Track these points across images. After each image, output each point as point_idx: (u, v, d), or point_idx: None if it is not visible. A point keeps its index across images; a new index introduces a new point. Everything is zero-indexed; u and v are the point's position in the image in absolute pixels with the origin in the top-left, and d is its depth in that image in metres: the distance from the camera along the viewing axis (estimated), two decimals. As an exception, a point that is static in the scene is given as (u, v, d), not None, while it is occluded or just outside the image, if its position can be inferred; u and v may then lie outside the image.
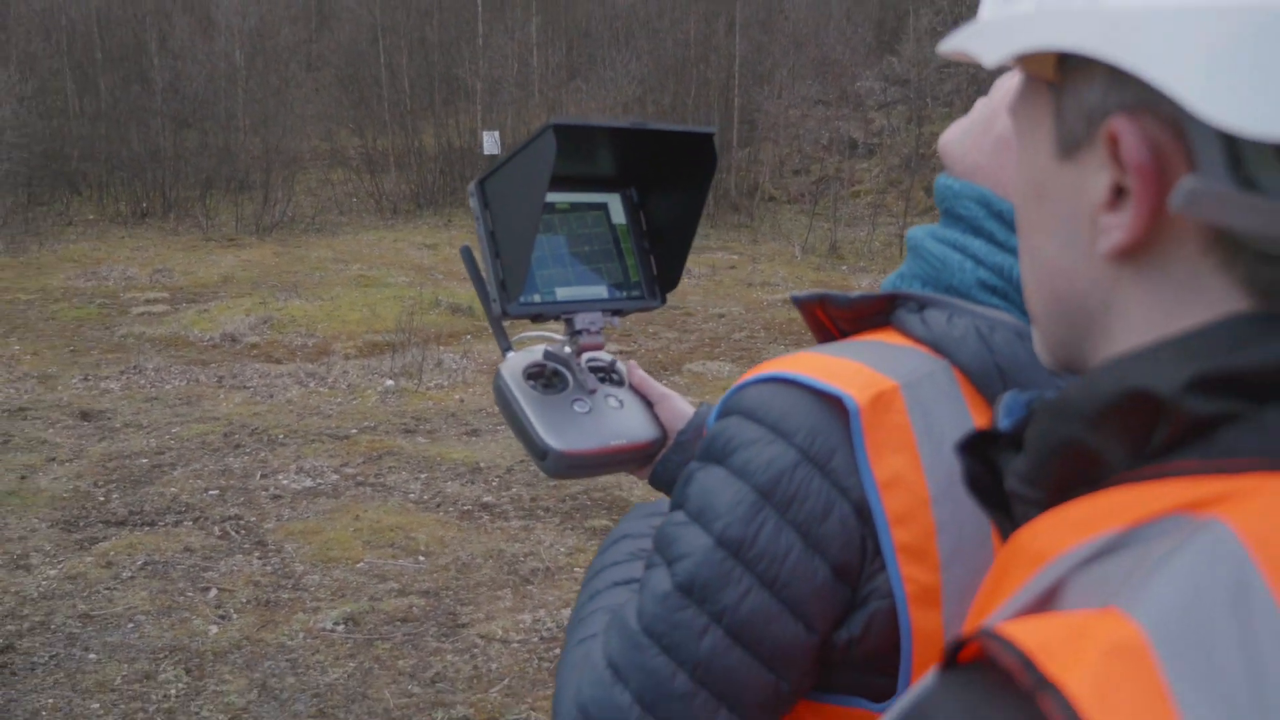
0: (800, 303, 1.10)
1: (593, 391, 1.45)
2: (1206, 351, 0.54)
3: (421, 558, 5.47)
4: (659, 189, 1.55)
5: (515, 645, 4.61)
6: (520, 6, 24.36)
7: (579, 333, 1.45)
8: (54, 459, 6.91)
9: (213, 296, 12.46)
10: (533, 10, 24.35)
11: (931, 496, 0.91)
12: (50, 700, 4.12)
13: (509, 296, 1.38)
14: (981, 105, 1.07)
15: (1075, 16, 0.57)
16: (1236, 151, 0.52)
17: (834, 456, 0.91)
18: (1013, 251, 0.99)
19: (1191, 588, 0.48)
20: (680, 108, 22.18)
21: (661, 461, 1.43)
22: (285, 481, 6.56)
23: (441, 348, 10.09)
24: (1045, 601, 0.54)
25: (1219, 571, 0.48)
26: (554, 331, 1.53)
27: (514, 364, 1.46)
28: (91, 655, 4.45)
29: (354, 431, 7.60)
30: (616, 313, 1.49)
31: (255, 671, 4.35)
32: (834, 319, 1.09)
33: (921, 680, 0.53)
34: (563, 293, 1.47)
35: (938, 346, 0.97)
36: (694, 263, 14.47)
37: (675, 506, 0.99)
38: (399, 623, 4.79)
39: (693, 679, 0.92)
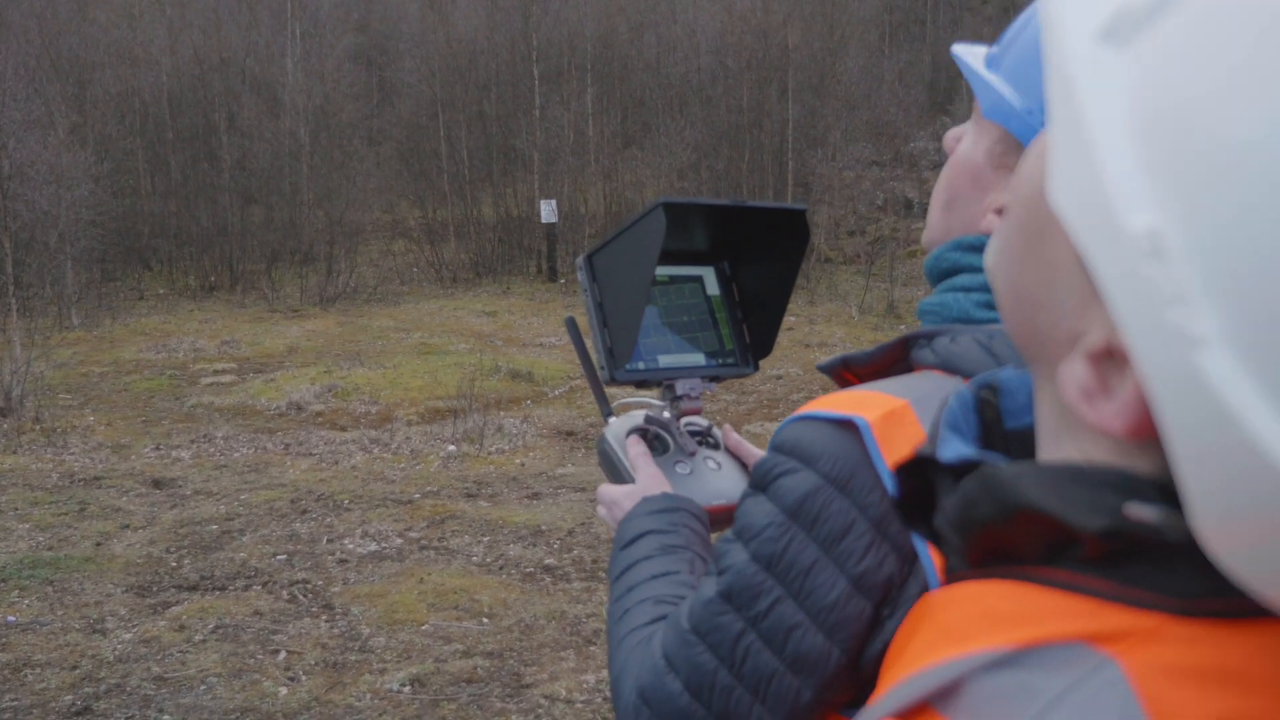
0: (826, 370, 1.17)
1: (692, 454, 1.52)
2: (1117, 503, 0.51)
3: (485, 619, 5.52)
4: (751, 262, 1.64)
5: (579, 705, 4.63)
6: (575, 78, 24.84)
7: (680, 398, 1.52)
8: (128, 526, 7.08)
9: (278, 366, 12.73)
10: (588, 81, 24.81)
11: None
12: (126, 761, 4.21)
13: (617, 364, 1.47)
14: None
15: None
16: None
17: (854, 476, 0.99)
18: None
19: None
20: (734, 173, 22.40)
21: None
22: (351, 546, 6.66)
23: (502, 413, 10.21)
24: (944, 696, 0.53)
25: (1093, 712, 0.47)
26: (651, 398, 1.60)
27: (617, 428, 1.54)
28: (166, 717, 4.54)
29: (417, 496, 7.70)
30: (714, 379, 1.57)
31: (324, 732, 4.41)
32: (861, 377, 1.15)
33: None
34: (664, 360, 1.55)
35: (947, 366, 1.05)
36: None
37: (733, 529, 1.10)
38: (464, 684, 4.83)
39: (732, 675, 1.03)
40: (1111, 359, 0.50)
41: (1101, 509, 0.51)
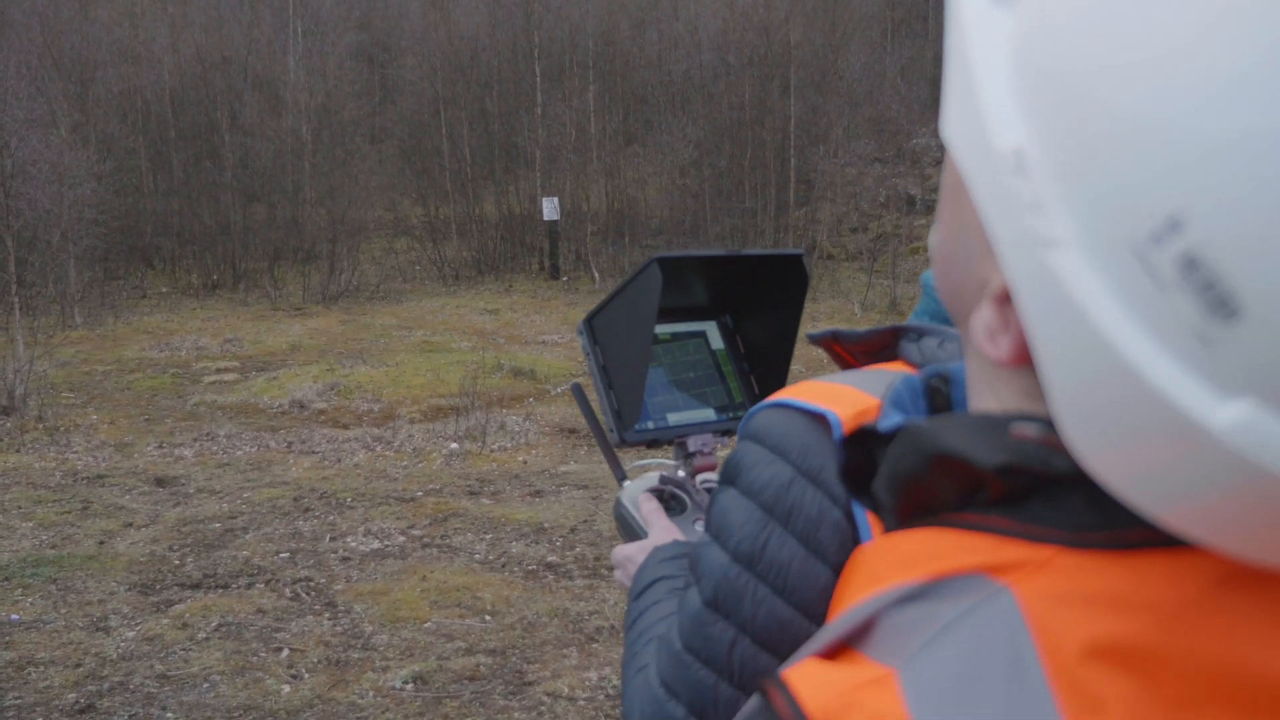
0: (816, 341, 1.18)
1: None
2: (1021, 442, 0.56)
3: (488, 617, 5.52)
4: (752, 312, 1.64)
5: (582, 702, 4.63)
6: (577, 75, 24.83)
7: (692, 455, 1.52)
8: (131, 524, 7.09)
9: (281, 364, 12.74)
10: (590, 79, 24.80)
11: None
12: (129, 759, 4.21)
13: (625, 425, 1.47)
14: None
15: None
16: None
17: (824, 470, 0.97)
18: None
19: (968, 660, 0.51)
20: (736, 170, 22.39)
21: None
22: (354, 544, 6.66)
23: (505, 411, 10.22)
24: (860, 633, 0.57)
25: (998, 646, 0.51)
26: (664, 458, 1.60)
27: (632, 491, 1.52)
28: (169, 715, 4.54)
29: (420, 494, 7.71)
30: (726, 434, 1.56)
31: (327, 730, 4.42)
32: (851, 353, 1.15)
33: (750, 701, 0.58)
34: (674, 418, 1.55)
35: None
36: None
37: (705, 529, 1.07)
38: (466, 681, 4.83)
39: (733, 685, 1.00)
40: (1010, 299, 0.56)
41: (1000, 447, 0.56)
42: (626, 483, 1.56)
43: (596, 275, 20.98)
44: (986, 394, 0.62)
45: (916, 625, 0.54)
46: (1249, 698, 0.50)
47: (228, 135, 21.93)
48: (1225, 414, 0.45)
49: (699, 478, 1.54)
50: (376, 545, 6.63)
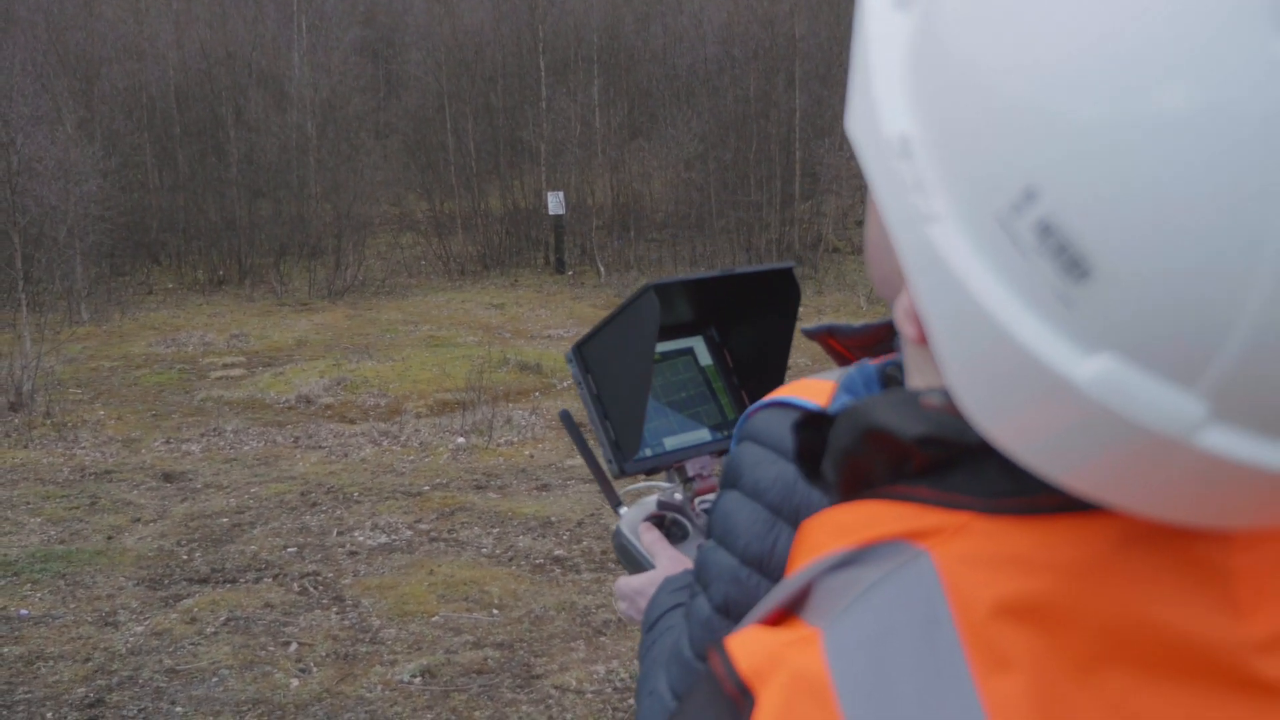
0: (811, 335, 1.17)
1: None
2: (940, 414, 0.59)
3: (495, 611, 5.53)
4: (741, 324, 1.60)
5: (589, 695, 4.64)
6: (582, 69, 24.80)
7: (692, 479, 1.49)
8: (139, 519, 7.11)
9: (287, 360, 12.76)
10: (594, 73, 24.77)
11: None
12: (139, 752, 4.23)
13: (625, 455, 1.43)
14: None
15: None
16: None
17: None
18: None
19: (885, 619, 0.55)
20: (741, 163, 22.36)
21: None
22: (361, 538, 6.68)
23: (511, 405, 10.22)
24: (798, 600, 0.62)
25: (914, 608, 0.54)
26: (656, 482, 1.55)
27: (632, 519, 1.49)
28: (178, 709, 4.56)
29: (427, 488, 7.72)
30: (722, 453, 1.53)
31: (335, 724, 4.43)
32: (847, 347, 1.15)
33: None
34: (670, 442, 1.51)
35: None
36: (759, 316, 14.53)
37: (707, 534, 1.06)
38: (475, 674, 4.84)
39: None
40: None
41: (919, 419, 0.59)
42: (622, 509, 1.52)
43: (602, 269, 20.97)
44: (915, 374, 0.67)
45: (843, 589, 0.58)
46: (1151, 651, 0.53)
47: (233, 131, 21.93)
48: (1088, 369, 0.48)
49: (697, 500, 1.51)
50: (384, 539, 6.64)
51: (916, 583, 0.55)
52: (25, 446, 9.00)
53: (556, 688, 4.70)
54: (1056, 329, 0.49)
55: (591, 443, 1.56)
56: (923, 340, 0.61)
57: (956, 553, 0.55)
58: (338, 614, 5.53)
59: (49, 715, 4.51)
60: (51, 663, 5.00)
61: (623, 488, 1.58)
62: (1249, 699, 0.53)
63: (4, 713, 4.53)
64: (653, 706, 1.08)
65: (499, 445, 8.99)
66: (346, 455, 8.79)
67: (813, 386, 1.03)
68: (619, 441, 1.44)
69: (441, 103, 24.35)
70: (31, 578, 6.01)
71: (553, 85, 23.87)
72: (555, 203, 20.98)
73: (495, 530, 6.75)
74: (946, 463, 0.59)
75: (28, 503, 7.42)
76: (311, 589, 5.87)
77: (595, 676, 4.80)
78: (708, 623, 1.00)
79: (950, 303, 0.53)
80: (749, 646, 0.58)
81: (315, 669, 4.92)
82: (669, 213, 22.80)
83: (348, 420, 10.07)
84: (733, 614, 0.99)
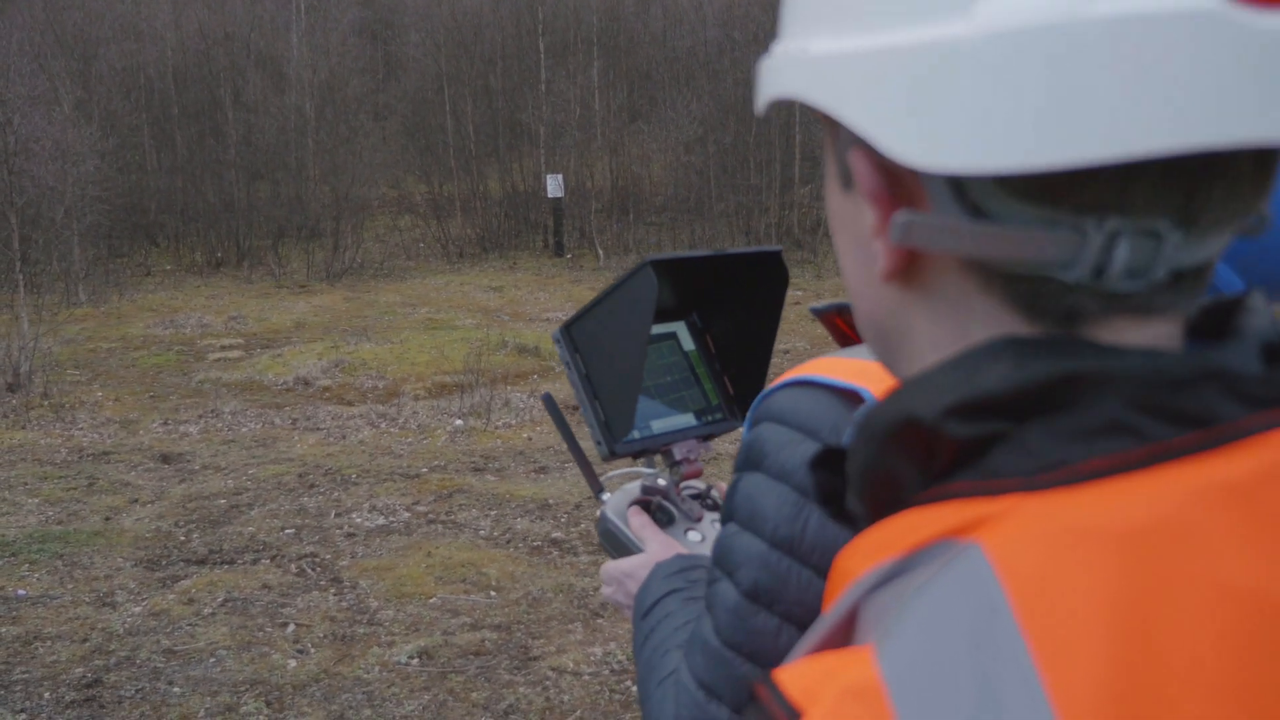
0: (820, 314, 1.14)
1: (699, 519, 1.46)
2: (965, 378, 0.55)
3: (493, 593, 5.54)
4: (724, 310, 1.57)
5: (586, 677, 4.65)
6: (582, 52, 24.72)
7: (679, 463, 1.47)
8: (136, 500, 7.11)
9: (285, 342, 12.74)
10: (594, 55, 24.69)
11: None
12: (137, 732, 4.24)
13: (615, 437, 1.41)
14: None
15: (793, 64, 0.61)
16: (959, 182, 0.54)
17: None
18: None
19: (937, 619, 0.50)
20: (741, 146, 22.31)
21: None
22: (359, 520, 6.68)
23: (509, 387, 10.22)
24: (846, 627, 0.57)
25: (968, 600, 0.50)
26: (638, 468, 1.54)
27: (617, 505, 1.47)
28: (175, 689, 4.56)
29: (424, 470, 7.72)
30: (706, 438, 1.52)
31: (333, 704, 4.43)
32: (855, 327, 1.13)
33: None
34: (657, 425, 1.49)
35: None
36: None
37: (726, 519, 1.03)
38: (472, 656, 4.85)
39: None
40: (881, 232, 0.58)
41: (940, 389, 0.55)
42: (605, 495, 1.51)
43: (601, 253, 20.95)
44: (917, 354, 0.62)
45: (892, 601, 0.53)
46: (1243, 621, 0.48)
47: (231, 112, 21.88)
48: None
49: (682, 485, 1.49)
50: (381, 521, 6.64)
51: (969, 574, 0.51)
52: (23, 427, 8.99)
53: (553, 669, 4.71)
54: None
55: (577, 428, 1.54)
56: (890, 270, 0.59)
57: (1007, 537, 0.51)
58: (335, 595, 5.54)
59: (46, 695, 4.51)
60: (49, 643, 5.00)
61: (604, 473, 1.57)
62: None
63: (1, 693, 4.53)
64: (672, 696, 1.04)
65: (497, 428, 8.99)
66: (344, 437, 8.79)
67: (837, 365, 1.00)
68: (610, 422, 1.42)
69: (440, 84, 24.30)
70: (29, 558, 6.01)
71: (552, 67, 23.80)
72: (554, 185, 20.94)
73: (493, 512, 6.75)
74: (981, 447, 0.54)
75: (25, 483, 7.42)
76: (309, 570, 5.87)
77: (592, 658, 4.80)
78: (736, 609, 0.97)
79: (854, 75, 0.55)
80: (798, 671, 0.54)
81: (313, 650, 4.92)
82: (668, 196, 22.77)
83: (346, 402, 10.07)
84: (762, 599, 0.96)
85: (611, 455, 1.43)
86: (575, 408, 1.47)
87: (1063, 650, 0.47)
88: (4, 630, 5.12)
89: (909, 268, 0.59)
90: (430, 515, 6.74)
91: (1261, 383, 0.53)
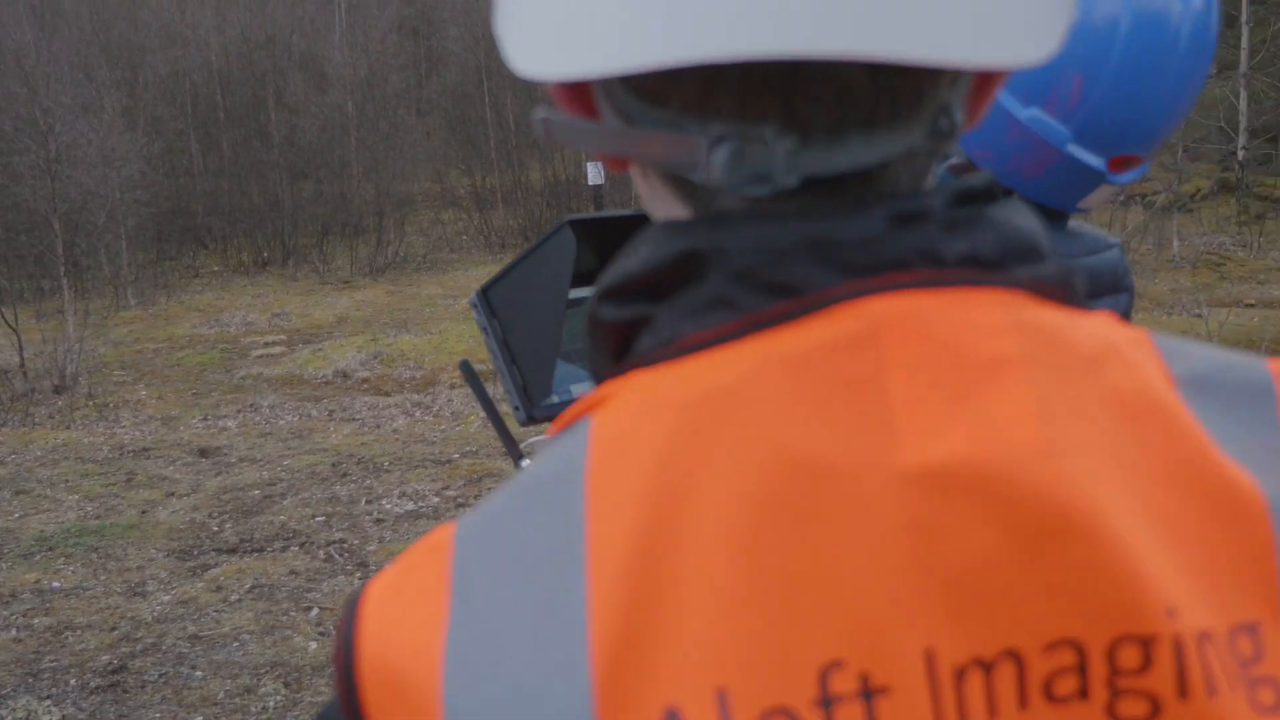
0: None
1: None
2: (620, 264, 0.57)
3: (516, 573, 5.54)
4: None
5: (603, 654, 4.64)
6: (619, 38, 24.66)
7: None
8: (173, 494, 7.21)
9: (327, 336, 12.87)
10: (631, 41, 24.64)
11: None
12: (157, 715, 4.30)
13: (533, 401, 1.40)
14: None
15: None
16: (608, 87, 0.55)
17: None
18: None
19: (520, 483, 0.54)
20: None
21: None
22: (388, 506, 6.72)
23: (544, 373, 10.24)
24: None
25: (555, 465, 0.53)
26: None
27: None
28: (198, 673, 4.62)
29: (456, 456, 7.75)
30: None
31: (351, 685, 4.46)
32: None
33: None
34: (577, 389, 1.47)
35: None
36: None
37: None
38: (491, 635, 4.85)
39: None
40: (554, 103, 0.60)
41: (603, 279, 0.58)
42: (524, 462, 1.50)
43: (643, 238, 20.94)
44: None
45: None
46: (777, 478, 0.49)
47: (274, 114, 22.11)
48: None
49: None
50: (410, 506, 6.68)
51: (569, 443, 0.53)
52: (67, 427, 9.17)
53: (571, 646, 4.70)
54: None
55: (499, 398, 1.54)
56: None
57: (611, 409, 0.54)
58: (361, 579, 5.57)
59: (72, 682, 4.59)
60: (79, 632, 5.09)
61: (523, 439, 1.55)
62: (898, 532, 0.48)
63: (29, 680, 4.62)
64: None
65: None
66: (379, 426, 8.85)
67: None
68: (528, 387, 1.40)
69: (480, 78, 24.35)
70: (65, 552, 6.12)
71: (589, 55, 23.77)
72: (594, 173, 20.89)
73: (521, 495, 6.77)
74: (635, 330, 0.56)
75: (67, 480, 7.56)
76: (336, 556, 5.92)
77: (610, 635, 4.79)
78: None
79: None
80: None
81: (334, 632, 4.95)
82: (709, 179, 22.68)
83: (383, 393, 10.14)
84: None
85: (530, 420, 1.41)
86: (495, 374, 1.46)
87: (609, 507, 0.50)
88: (36, 621, 5.22)
89: (628, 165, 0.61)
90: (459, 499, 6.77)
91: (863, 248, 0.52)
